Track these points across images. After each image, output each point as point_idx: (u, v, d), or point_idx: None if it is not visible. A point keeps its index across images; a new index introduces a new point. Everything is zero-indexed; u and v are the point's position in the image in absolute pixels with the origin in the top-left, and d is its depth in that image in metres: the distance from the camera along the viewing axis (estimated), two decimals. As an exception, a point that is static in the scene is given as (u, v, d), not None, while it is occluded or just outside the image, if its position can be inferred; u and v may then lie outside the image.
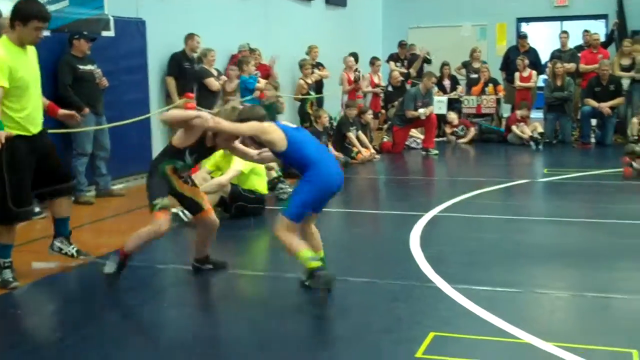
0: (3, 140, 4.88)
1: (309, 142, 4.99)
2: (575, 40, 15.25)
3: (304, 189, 4.85)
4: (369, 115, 12.84)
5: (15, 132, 5.13)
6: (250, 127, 4.91)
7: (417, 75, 15.67)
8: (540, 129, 13.65)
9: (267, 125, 4.92)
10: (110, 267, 5.18)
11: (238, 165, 7.50)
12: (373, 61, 15.08)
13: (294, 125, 5.16)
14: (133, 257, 5.28)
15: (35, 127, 5.33)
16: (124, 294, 5.23)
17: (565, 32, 15.21)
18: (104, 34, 9.40)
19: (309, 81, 13.24)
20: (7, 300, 5.14)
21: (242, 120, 4.99)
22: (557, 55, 14.53)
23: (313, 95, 13.26)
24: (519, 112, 13.92)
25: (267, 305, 4.98)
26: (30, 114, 5.27)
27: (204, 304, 5.36)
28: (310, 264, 4.72)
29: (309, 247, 4.86)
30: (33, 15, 5.12)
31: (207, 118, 4.95)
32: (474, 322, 4.48)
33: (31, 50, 5.38)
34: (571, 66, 14.12)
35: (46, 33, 8.81)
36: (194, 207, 5.43)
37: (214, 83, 11.01)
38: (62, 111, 5.95)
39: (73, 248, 5.82)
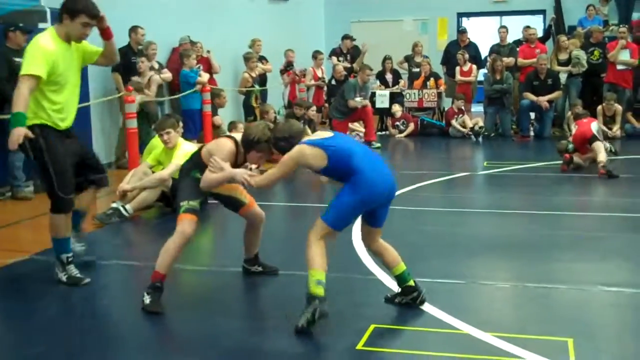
0: (21, 141, 4.68)
1: (351, 149, 4.46)
2: (514, 35, 15.50)
3: (345, 195, 4.39)
4: (312, 111, 12.85)
5: (45, 123, 5.01)
6: (288, 166, 4.46)
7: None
8: (481, 123, 13.85)
9: (305, 151, 4.41)
10: (148, 298, 4.69)
11: (179, 159, 7.43)
12: (315, 55, 15.09)
13: (329, 134, 4.58)
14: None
15: (65, 123, 5.17)
16: (62, 290, 5.15)
17: (504, 27, 15.43)
18: (41, 25, 9.20)
19: (254, 74, 13.20)
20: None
21: (278, 139, 4.56)
22: (496, 50, 14.75)
23: (257, 88, 13.22)
24: (455, 105, 14.09)
25: (208, 300, 4.96)
26: (63, 110, 5.12)
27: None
28: (315, 289, 4.22)
29: (324, 268, 4.32)
30: (81, 10, 5.00)
31: (244, 177, 4.56)
32: (414, 313, 4.55)
33: (77, 47, 5.20)
34: (510, 60, 14.34)
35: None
36: (235, 203, 5.16)
37: (154, 76, 10.90)
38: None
39: (82, 246, 5.65)
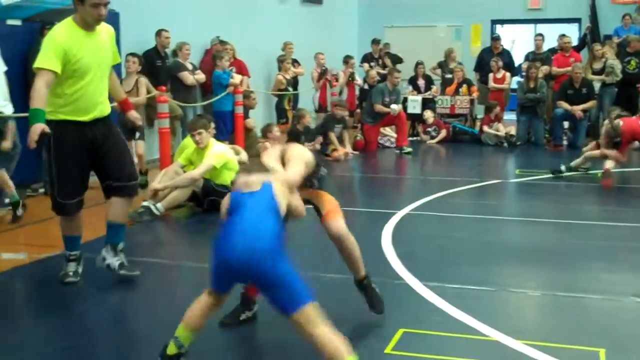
0: (36, 138, 4.48)
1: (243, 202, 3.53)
2: (549, 43, 15.37)
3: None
4: (345, 113, 12.80)
5: (62, 117, 4.89)
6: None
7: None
8: (513, 131, 13.76)
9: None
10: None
11: (210, 159, 7.49)
12: (347, 60, 15.07)
13: (256, 188, 3.59)
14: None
15: (88, 114, 4.98)
16: (91, 286, 5.19)
17: (540, 34, 15.30)
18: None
19: (288, 77, 13.21)
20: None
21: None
22: (531, 58, 14.63)
23: (291, 91, 13.23)
24: (492, 113, 14.00)
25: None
26: (85, 99, 4.94)
27: (172, 295, 5.32)
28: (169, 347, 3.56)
29: (188, 325, 3.59)
30: None
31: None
32: (443, 319, 4.51)
33: (102, 32, 5.06)
34: (545, 68, 14.22)
35: (17, 23, 8.80)
36: (317, 212, 4.40)
37: (188, 77, 10.98)
38: (132, 113, 5.60)
39: (118, 260, 5.21)
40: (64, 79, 4.84)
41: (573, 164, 9.90)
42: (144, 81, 9.41)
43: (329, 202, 4.34)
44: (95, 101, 5.02)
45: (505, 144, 13.49)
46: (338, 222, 4.27)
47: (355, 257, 4.38)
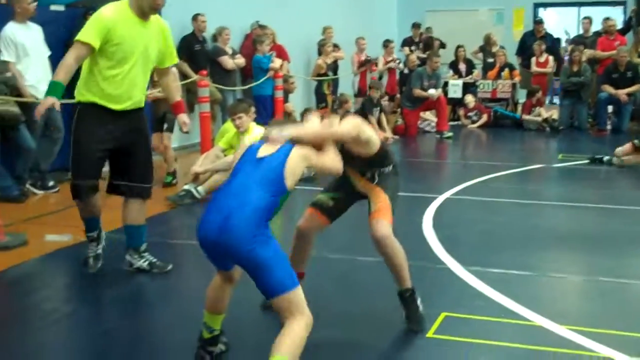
0: (42, 111, 4.46)
1: (236, 167, 3.35)
2: (593, 27, 15.11)
3: None
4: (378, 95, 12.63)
5: (92, 99, 4.70)
6: None
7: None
8: (555, 115, 13.59)
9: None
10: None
11: (249, 142, 7.49)
12: (386, 44, 14.95)
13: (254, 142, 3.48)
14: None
15: (121, 104, 4.77)
16: (132, 270, 5.23)
17: (588, 17, 15.06)
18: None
19: (328, 61, 13.18)
20: (20, 270, 5.19)
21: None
22: (579, 41, 14.41)
23: (331, 76, 13.20)
24: (535, 97, 13.84)
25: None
26: (119, 88, 4.72)
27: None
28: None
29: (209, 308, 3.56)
30: None
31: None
32: (485, 303, 4.47)
33: (155, 25, 4.85)
34: (590, 52, 13.99)
35: (60, 8, 8.89)
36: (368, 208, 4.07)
37: (227, 61, 11.01)
38: (183, 116, 5.24)
39: (145, 261, 5.11)
40: (102, 59, 4.64)
41: (614, 160, 9.59)
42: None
43: (381, 202, 3.98)
44: (130, 92, 4.81)
45: (548, 129, 13.33)
46: (382, 224, 3.91)
47: (397, 264, 4.01)
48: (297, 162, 3.27)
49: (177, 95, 5.36)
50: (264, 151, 3.30)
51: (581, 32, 14.97)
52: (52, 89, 4.56)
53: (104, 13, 4.63)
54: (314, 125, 3.59)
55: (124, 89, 4.76)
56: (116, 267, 5.17)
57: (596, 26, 14.99)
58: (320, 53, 13.27)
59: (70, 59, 4.57)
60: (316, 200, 4.20)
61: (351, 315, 4.35)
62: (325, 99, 12.89)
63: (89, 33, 4.56)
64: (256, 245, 3.06)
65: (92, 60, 4.67)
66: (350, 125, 3.71)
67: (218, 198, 3.23)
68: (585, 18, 15.12)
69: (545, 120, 13.48)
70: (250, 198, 3.12)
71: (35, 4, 7.55)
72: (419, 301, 4.10)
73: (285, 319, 3.11)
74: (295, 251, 4.24)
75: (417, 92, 12.73)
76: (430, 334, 4.01)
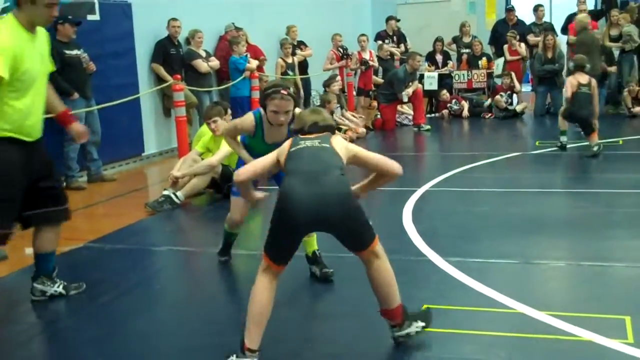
0: None
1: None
2: (567, 10, 15.16)
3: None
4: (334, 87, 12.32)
5: (7, 135, 4.18)
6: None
7: (405, 50, 15.66)
8: (525, 104, 13.80)
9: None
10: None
11: (227, 146, 7.48)
12: (359, 38, 14.94)
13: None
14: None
15: (35, 133, 4.35)
16: (117, 276, 5.23)
17: (541, 5, 15.11)
18: (90, 17, 9.34)
19: (289, 60, 13.20)
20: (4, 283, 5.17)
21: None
22: (531, 29, 14.53)
23: (291, 75, 13.16)
24: (503, 82, 13.93)
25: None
26: (31, 116, 4.27)
27: (196, 282, 5.36)
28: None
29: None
30: None
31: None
32: (466, 293, 4.50)
33: (42, 35, 4.39)
34: (537, 39, 14.07)
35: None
36: None
37: (201, 64, 10.99)
38: (76, 125, 4.79)
39: (59, 286, 4.78)
40: (9, 91, 4.13)
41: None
42: None
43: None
44: (41, 117, 4.39)
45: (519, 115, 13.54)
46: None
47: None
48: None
49: (62, 105, 4.79)
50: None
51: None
52: None
53: (5, 38, 4.09)
54: None
55: (36, 116, 4.34)
56: (97, 278, 5.16)
57: (570, 9, 15.04)
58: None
59: None
60: None
61: (335, 311, 4.38)
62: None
63: None
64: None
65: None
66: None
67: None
68: (539, 6, 15.09)
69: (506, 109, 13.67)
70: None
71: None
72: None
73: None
74: None
75: (401, 96, 12.82)
76: (413, 327, 4.01)
